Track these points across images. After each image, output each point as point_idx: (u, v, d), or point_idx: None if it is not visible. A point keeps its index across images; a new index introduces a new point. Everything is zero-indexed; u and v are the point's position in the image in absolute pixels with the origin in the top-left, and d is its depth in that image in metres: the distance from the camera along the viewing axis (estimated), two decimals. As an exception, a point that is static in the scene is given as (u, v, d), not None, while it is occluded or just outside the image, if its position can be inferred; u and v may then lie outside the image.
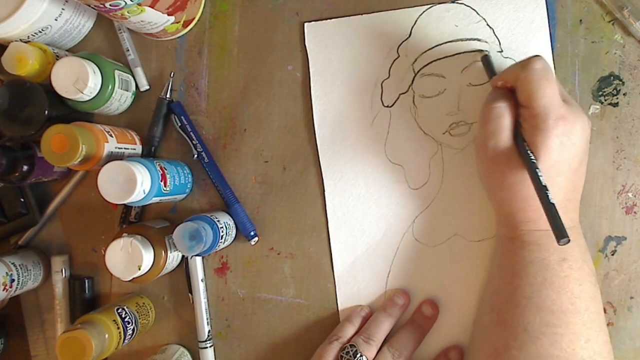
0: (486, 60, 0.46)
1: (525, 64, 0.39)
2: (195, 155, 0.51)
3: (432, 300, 0.48)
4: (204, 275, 0.52)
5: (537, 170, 0.37)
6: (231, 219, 0.50)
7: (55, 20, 0.49)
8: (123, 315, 0.47)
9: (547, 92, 0.38)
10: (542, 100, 0.38)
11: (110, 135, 0.47)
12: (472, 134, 0.48)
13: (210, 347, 0.51)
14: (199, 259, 0.51)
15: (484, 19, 0.48)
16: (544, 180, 0.36)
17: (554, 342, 0.38)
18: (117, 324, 0.46)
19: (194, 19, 0.52)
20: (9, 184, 0.50)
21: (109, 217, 0.53)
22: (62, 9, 0.49)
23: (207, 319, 0.51)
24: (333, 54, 0.50)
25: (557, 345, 0.37)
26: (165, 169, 0.47)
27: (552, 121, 0.37)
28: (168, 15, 0.47)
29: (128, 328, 0.47)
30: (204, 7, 0.52)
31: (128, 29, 0.52)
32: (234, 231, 0.50)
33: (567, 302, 0.38)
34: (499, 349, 0.40)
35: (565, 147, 0.38)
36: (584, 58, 0.47)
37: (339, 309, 0.50)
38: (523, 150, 0.38)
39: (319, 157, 0.50)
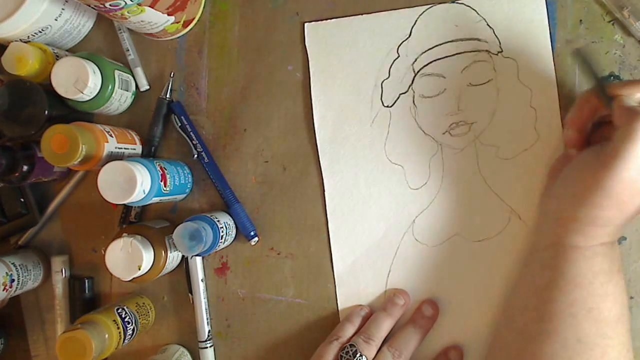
0: (603, 89, 0.40)
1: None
2: (195, 155, 0.51)
3: (432, 300, 0.48)
4: (204, 275, 0.52)
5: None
6: (231, 219, 0.50)
7: (55, 20, 0.49)
8: (123, 315, 0.47)
9: None
10: None
11: (110, 135, 0.47)
12: (472, 134, 0.48)
13: (210, 347, 0.51)
14: (199, 259, 0.51)
15: (484, 19, 0.48)
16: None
17: (604, 354, 0.37)
18: (117, 324, 0.46)
19: (194, 19, 0.52)
20: (9, 184, 0.50)
21: (109, 217, 0.53)
22: (62, 9, 0.49)
23: (207, 319, 0.51)
24: (333, 54, 0.50)
25: (607, 355, 0.37)
26: (165, 169, 0.47)
27: None
28: (168, 15, 0.47)
29: (128, 328, 0.47)
30: (204, 7, 0.52)
31: (128, 29, 0.52)
32: (234, 231, 0.50)
33: (620, 311, 0.38)
34: (544, 358, 0.39)
35: None
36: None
37: (339, 309, 0.50)
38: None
39: (319, 157, 0.50)
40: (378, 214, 0.50)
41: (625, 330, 0.39)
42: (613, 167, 0.36)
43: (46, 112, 0.47)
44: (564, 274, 0.40)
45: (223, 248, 0.51)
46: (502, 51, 0.48)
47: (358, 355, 0.44)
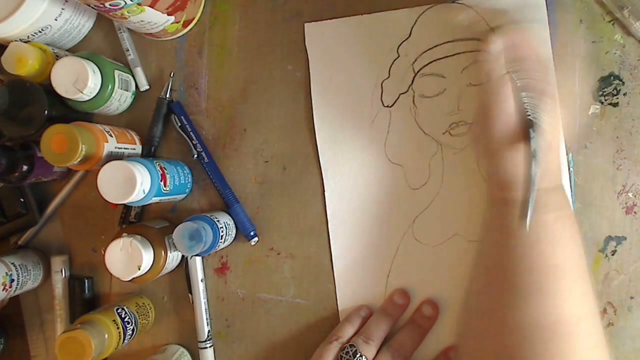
0: None
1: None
2: (195, 155, 0.51)
3: (432, 300, 0.48)
4: (204, 275, 0.52)
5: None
6: (231, 219, 0.50)
7: (55, 20, 0.49)
8: (123, 315, 0.47)
9: None
10: None
11: (110, 135, 0.47)
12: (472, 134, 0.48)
13: (210, 347, 0.51)
14: (198, 259, 0.51)
15: (484, 19, 0.48)
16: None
17: (546, 299, 0.37)
18: (117, 324, 0.46)
19: (194, 19, 0.52)
20: (9, 184, 0.50)
21: (109, 217, 0.53)
22: (62, 9, 0.49)
23: (207, 319, 0.51)
24: (333, 54, 0.50)
25: (550, 302, 0.37)
26: (165, 169, 0.47)
27: None
28: (168, 15, 0.47)
29: (128, 328, 0.47)
30: (204, 7, 0.52)
31: (128, 29, 0.52)
32: (234, 231, 0.50)
33: (560, 259, 0.38)
34: (492, 309, 0.39)
35: None
36: (584, 58, 0.47)
37: (339, 309, 0.50)
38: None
39: (319, 157, 0.50)
40: (378, 214, 0.50)
41: (570, 277, 0.38)
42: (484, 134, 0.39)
43: (46, 112, 0.47)
44: (496, 227, 0.41)
45: (223, 248, 0.51)
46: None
47: (358, 355, 0.44)
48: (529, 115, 0.37)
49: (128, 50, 0.52)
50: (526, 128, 0.37)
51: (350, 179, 0.50)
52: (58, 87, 0.46)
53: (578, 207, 0.47)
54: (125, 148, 0.49)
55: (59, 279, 0.53)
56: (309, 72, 0.51)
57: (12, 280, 0.49)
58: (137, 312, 0.49)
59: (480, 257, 0.44)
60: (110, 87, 0.48)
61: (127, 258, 0.45)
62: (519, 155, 0.38)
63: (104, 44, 0.53)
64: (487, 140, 0.41)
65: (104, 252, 0.45)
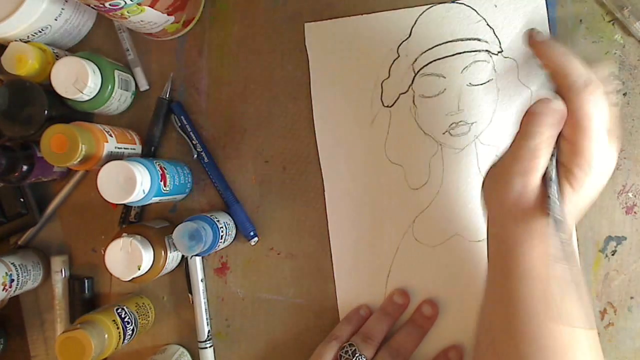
0: None
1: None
2: (195, 155, 0.51)
3: (432, 300, 0.48)
4: (204, 275, 0.52)
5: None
6: (231, 219, 0.50)
7: (55, 20, 0.49)
8: (123, 316, 0.47)
9: None
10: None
11: (110, 135, 0.47)
12: (472, 134, 0.48)
13: (210, 347, 0.51)
14: (198, 259, 0.51)
15: (484, 19, 0.48)
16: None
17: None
18: (117, 324, 0.46)
19: (194, 18, 0.52)
20: (9, 184, 0.50)
21: (108, 217, 0.53)
22: (62, 8, 0.49)
23: (206, 319, 0.51)
24: (333, 54, 0.50)
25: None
26: (165, 169, 0.47)
27: None
28: (168, 15, 0.47)
29: (128, 328, 0.47)
30: (204, 7, 0.52)
31: (128, 28, 0.52)
32: (234, 231, 0.50)
33: (568, 335, 0.35)
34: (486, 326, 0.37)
35: None
36: (584, 58, 0.47)
37: (339, 309, 0.50)
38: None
39: (319, 157, 0.50)
40: (378, 214, 0.50)
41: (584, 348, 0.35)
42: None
43: (46, 112, 0.47)
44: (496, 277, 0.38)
45: (223, 248, 0.51)
46: (502, 51, 0.48)
47: (357, 354, 0.44)
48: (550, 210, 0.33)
49: (128, 50, 0.52)
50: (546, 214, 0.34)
51: (350, 179, 0.50)
52: (58, 87, 0.46)
53: (578, 207, 0.47)
54: (125, 148, 0.49)
55: (59, 279, 0.53)
56: (309, 72, 0.51)
57: (12, 280, 0.49)
58: (137, 312, 0.49)
59: (483, 311, 0.40)
60: (110, 87, 0.48)
61: (127, 258, 0.45)
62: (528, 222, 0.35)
63: (104, 44, 0.53)
64: (497, 194, 0.37)
65: (104, 252, 0.45)
